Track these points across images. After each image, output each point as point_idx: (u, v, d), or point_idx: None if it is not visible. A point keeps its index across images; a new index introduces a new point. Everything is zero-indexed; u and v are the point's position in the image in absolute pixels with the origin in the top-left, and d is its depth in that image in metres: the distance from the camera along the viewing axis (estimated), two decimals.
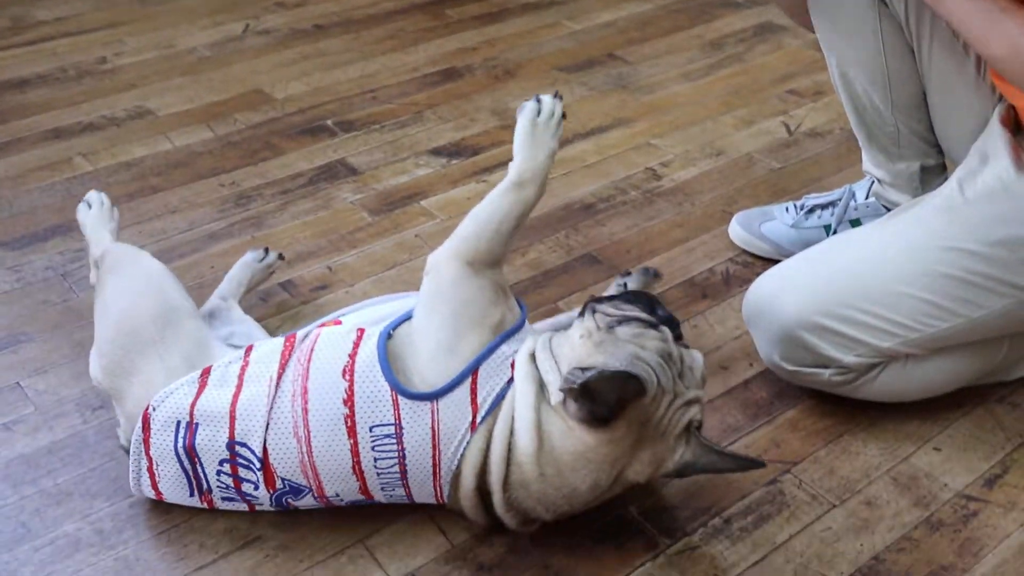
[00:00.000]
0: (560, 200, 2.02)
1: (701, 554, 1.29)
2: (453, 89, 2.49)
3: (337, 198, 2.04)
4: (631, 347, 1.20)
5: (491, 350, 1.23)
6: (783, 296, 1.43)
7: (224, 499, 1.30)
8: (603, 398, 1.15)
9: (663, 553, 1.29)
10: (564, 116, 1.39)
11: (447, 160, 2.17)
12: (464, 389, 1.21)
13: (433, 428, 1.21)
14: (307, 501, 1.28)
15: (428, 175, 2.12)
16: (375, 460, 1.22)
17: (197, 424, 1.25)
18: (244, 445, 1.24)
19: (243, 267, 1.68)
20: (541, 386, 1.22)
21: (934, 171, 1.73)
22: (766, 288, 1.47)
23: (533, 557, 1.29)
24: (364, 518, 1.32)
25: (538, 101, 1.38)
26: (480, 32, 2.80)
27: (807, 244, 1.80)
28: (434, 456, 1.22)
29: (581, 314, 1.28)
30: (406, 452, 1.22)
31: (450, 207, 2.00)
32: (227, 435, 1.24)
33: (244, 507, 1.31)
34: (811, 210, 1.83)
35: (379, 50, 2.70)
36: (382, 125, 2.32)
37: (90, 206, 1.63)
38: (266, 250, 1.72)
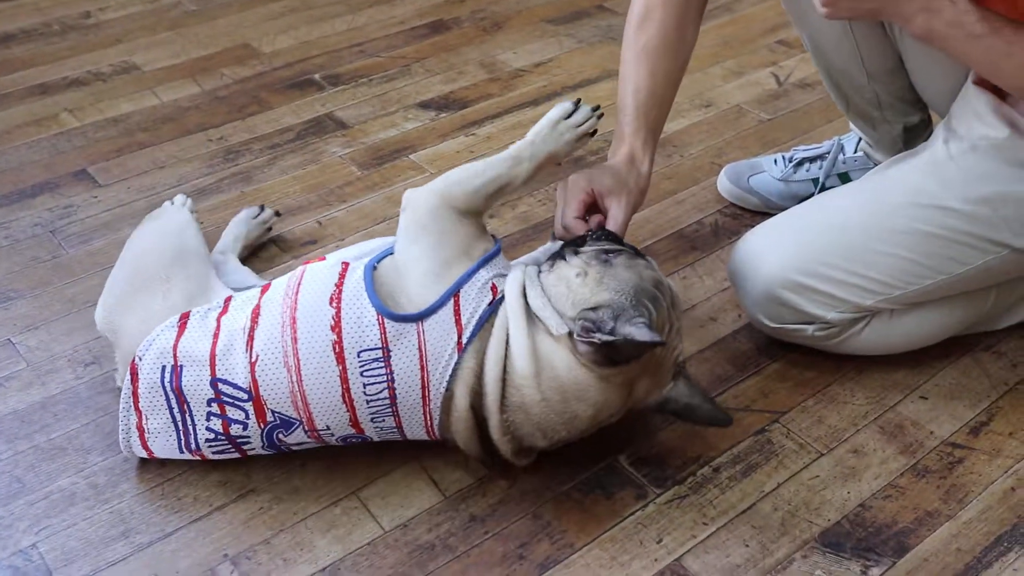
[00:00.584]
0: None
1: (690, 502, 1.31)
2: (441, 42, 2.47)
3: (326, 152, 2.03)
4: (633, 278, 1.23)
5: (470, 274, 1.26)
6: (766, 255, 1.44)
7: (215, 451, 1.31)
8: (624, 353, 1.18)
9: (652, 502, 1.31)
10: (592, 134, 1.42)
11: (436, 113, 2.16)
12: (447, 310, 1.23)
13: (420, 349, 1.23)
14: (298, 436, 1.29)
15: (417, 128, 2.11)
16: (364, 386, 1.24)
17: (182, 366, 1.27)
18: (227, 382, 1.26)
19: (239, 224, 1.70)
20: (531, 316, 1.24)
21: (917, 128, 1.72)
22: (749, 247, 1.47)
23: (524, 507, 1.30)
24: (357, 469, 1.34)
25: (576, 105, 1.40)
26: None
27: (796, 197, 1.81)
28: (423, 378, 1.24)
29: (557, 257, 1.29)
30: (394, 375, 1.23)
31: (439, 160, 2.00)
32: (209, 374, 1.26)
33: (235, 454, 1.32)
34: (800, 163, 1.83)
35: (366, 2, 2.67)
36: (370, 79, 2.30)
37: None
38: (261, 207, 1.73)
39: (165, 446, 1.31)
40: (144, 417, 1.30)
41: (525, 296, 1.26)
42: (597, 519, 1.29)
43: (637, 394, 1.26)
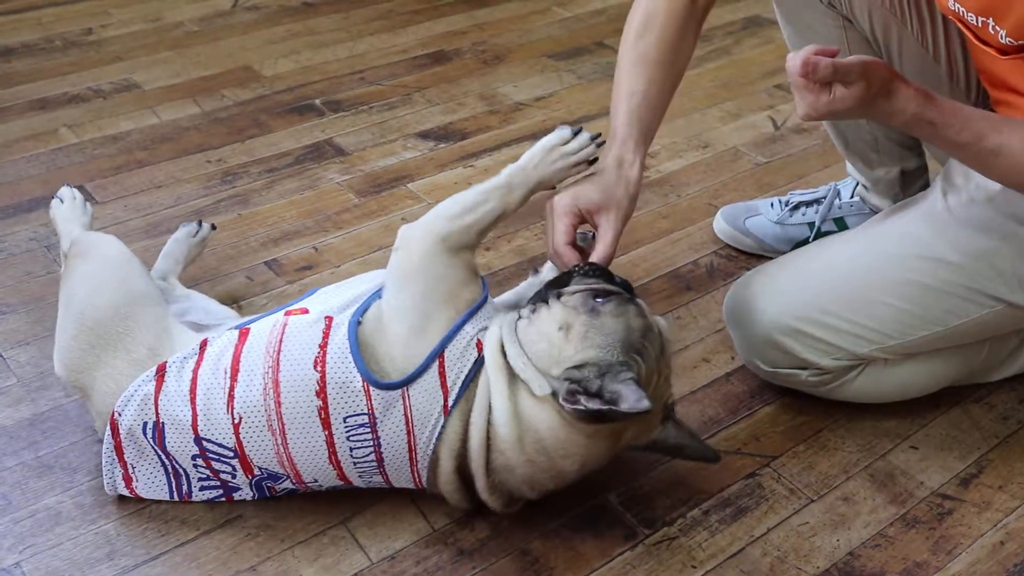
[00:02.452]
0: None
1: (679, 544, 1.30)
2: (442, 72, 2.48)
3: (324, 178, 2.04)
4: (620, 329, 1.20)
5: (455, 331, 1.23)
6: (762, 300, 1.45)
7: (203, 489, 1.30)
8: (612, 416, 1.16)
9: (641, 543, 1.31)
10: (592, 163, 1.38)
11: (434, 144, 2.17)
12: (433, 373, 1.21)
13: (406, 415, 1.21)
14: (286, 485, 1.28)
15: (415, 158, 2.11)
16: (351, 450, 1.23)
17: (164, 424, 1.25)
18: (211, 441, 1.24)
19: (176, 243, 1.63)
20: (512, 375, 1.22)
21: (915, 174, 1.74)
22: (745, 291, 1.48)
23: (512, 543, 1.30)
24: (346, 500, 1.33)
25: (576, 133, 1.37)
26: (470, 16, 2.79)
27: (791, 241, 1.82)
28: (409, 442, 1.22)
29: (540, 300, 1.26)
30: (381, 440, 1.22)
31: (437, 191, 2.00)
32: (192, 434, 1.24)
33: (224, 497, 1.31)
34: (796, 207, 1.84)
35: (368, 30, 2.69)
36: (370, 106, 2.31)
37: (62, 201, 1.60)
38: (199, 223, 1.68)
39: (154, 491, 1.30)
40: (131, 467, 1.29)
41: (505, 354, 1.23)
42: (585, 558, 1.29)
43: (624, 441, 1.25)
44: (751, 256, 1.84)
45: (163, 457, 1.27)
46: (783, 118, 2.32)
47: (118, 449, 1.28)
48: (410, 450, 1.23)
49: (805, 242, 1.80)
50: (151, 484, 1.30)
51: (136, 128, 2.19)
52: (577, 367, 1.17)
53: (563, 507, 1.34)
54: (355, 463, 1.24)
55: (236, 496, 1.31)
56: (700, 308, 1.72)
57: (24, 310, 1.65)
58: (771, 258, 1.78)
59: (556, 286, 1.28)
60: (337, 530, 1.31)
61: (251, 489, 1.29)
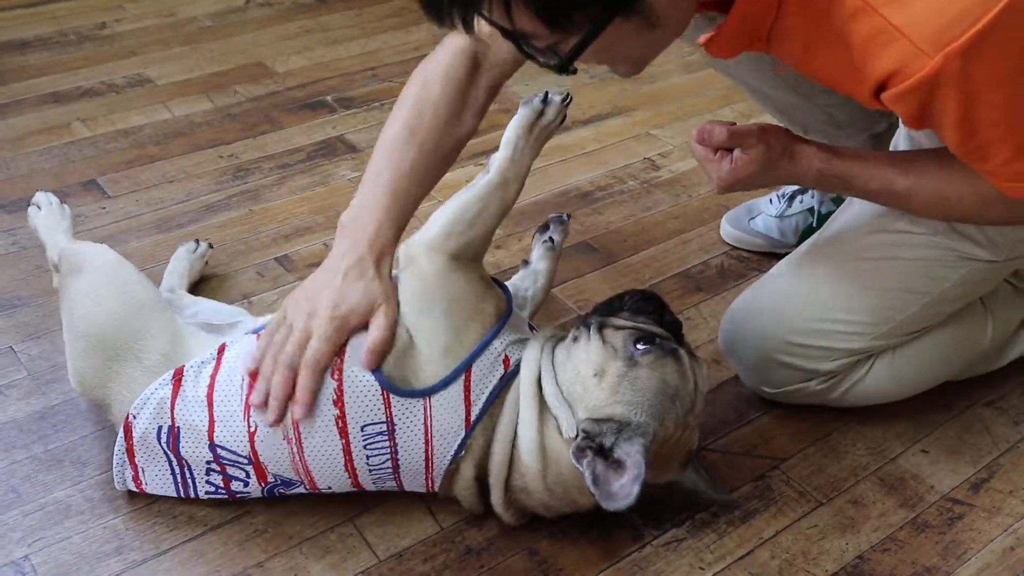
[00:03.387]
0: (558, 187, 2.02)
1: (687, 546, 1.30)
2: None
3: (335, 175, 2.04)
4: (653, 386, 1.18)
5: (483, 346, 1.22)
6: (751, 325, 1.45)
7: (208, 494, 1.30)
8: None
9: (649, 544, 1.30)
10: (562, 122, 1.35)
11: None
12: (458, 386, 1.20)
13: (426, 425, 1.20)
14: (299, 491, 1.28)
15: None
16: (367, 458, 1.22)
17: (179, 429, 1.25)
18: (226, 448, 1.24)
19: (178, 260, 1.64)
20: (543, 407, 1.21)
21: (885, 135, 1.70)
22: (735, 321, 1.48)
23: (520, 543, 1.30)
24: (354, 498, 1.33)
25: (545, 102, 1.32)
26: None
27: (797, 230, 1.81)
28: (427, 452, 1.22)
29: (583, 326, 1.25)
30: (399, 448, 1.22)
31: (447, 189, 1.98)
32: (207, 440, 1.24)
33: (227, 495, 1.31)
34: (792, 196, 1.84)
35: (381, 27, 2.69)
36: (382, 103, 2.31)
37: (39, 208, 1.57)
38: (196, 241, 1.69)
39: (162, 488, 1.30)
40: (140, 470, 1.29)
41: (540, 383, 1.22)
42: (593, 559, 1.28)
43: None
44: (762, 256, 1.83)
45: (174, 462, 1.27)
46: None
47: (130, 452, 1.28)
48: (427, 459, 1.23)
49: (810, 228, 1.80)
50: (159, 483, 1.30)
51: (148, 123, 2.19)
52: (598, 420, 1.16)
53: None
54: (370, 470, 1.24)
55: (241, 496, 1.30)
56: (710, 309, 1.71)
57: (35, 303, 1.66)
58: (781, 255, 1.77)
59: (604, 312, 1.26)
60: (345, 527, 1.31)
61: (263, 494, 1.29)
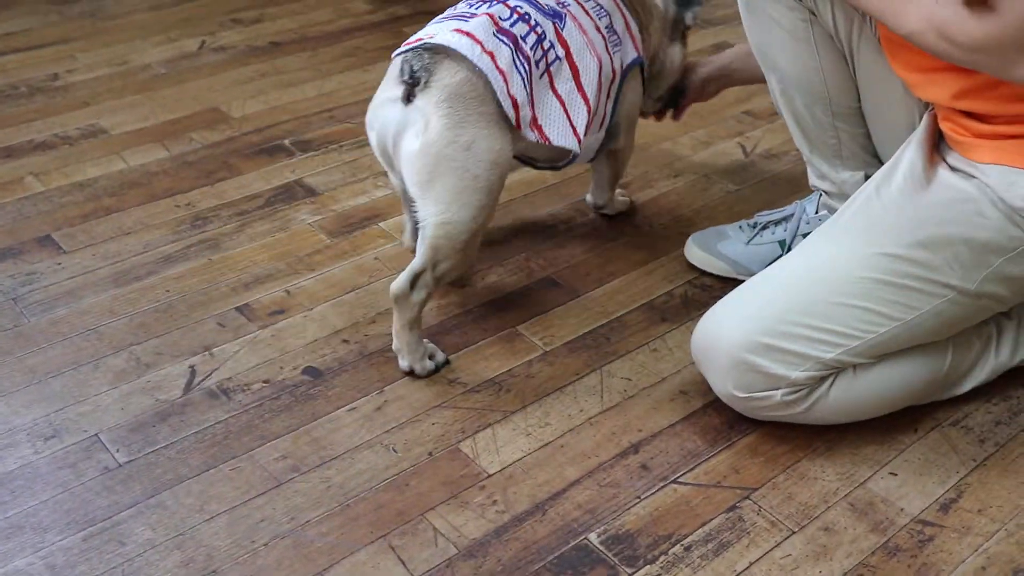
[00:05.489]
0: (520, 221, 2.02)
1: None
2: None
3: (295, 220, 2.03)
4: None
5: None
6: (726, 324, 1.46)
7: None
8: None
9: None
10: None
11: None
12: None
13: None
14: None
15: (387, 196, 2.11)
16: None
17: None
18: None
19: None
20: None
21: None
22: (708, 323, 1.49)
23: None
24: (323, 549, 1.31)
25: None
26: None
27: (764, 260, 1.82)
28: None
29: None
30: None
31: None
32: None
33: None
34: (764, 227, 1.85)
35: (337, 68, 2.69)
36: (340, 145, 2.31)
37: None
38: None
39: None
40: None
41: None
42: None
43: None
44: (725, 283, 1.84)
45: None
46: (752, 144, 2.33)
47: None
48: None
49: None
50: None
51: (103, 174, 2.17)
52: None
53: (544, 549, 1.32)
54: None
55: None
56: (676, 340, 1.71)
57: None
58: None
59: None
60: None
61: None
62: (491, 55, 1.52)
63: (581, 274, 1.87)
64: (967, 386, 1.55)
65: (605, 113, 1.73)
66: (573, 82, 1.62)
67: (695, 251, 1.88)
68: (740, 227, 1.88)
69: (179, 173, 2.18)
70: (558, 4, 1.66)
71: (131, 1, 3.10)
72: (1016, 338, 1.56)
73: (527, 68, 1.56)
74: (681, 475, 1.45)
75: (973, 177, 1.38)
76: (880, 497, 1.42)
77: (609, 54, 1.70)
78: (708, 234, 1.90)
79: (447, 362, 1.64)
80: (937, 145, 1.48)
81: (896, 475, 1.45)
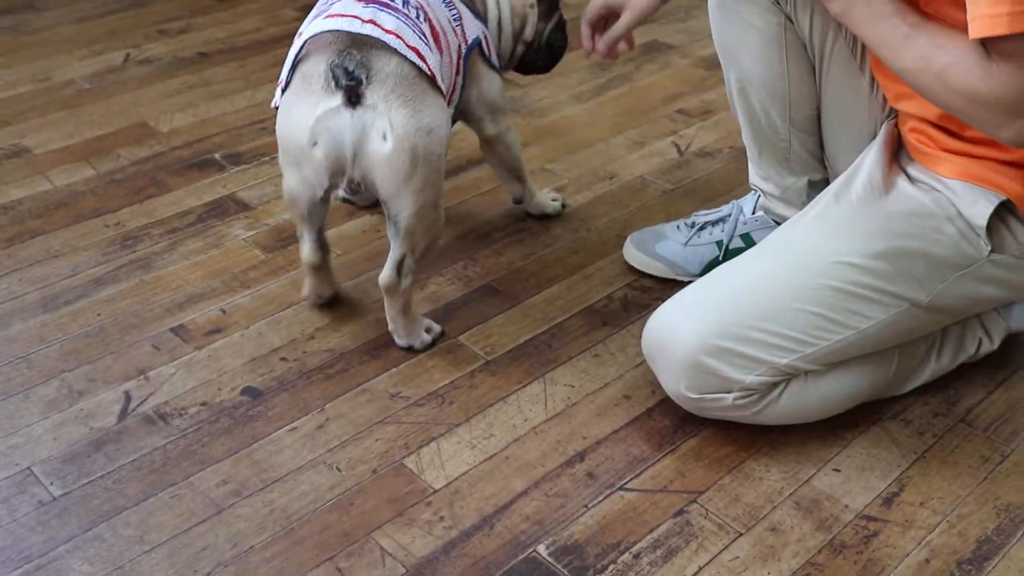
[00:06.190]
0: (457, 230, 2.00)
1: None
2: None
3: (228, 235, 1.99)
4: None
5: None
6: (681, 324, 1.45)
7: None
8: None
9: None
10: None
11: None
12: None
13: None
14: None
15: None
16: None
17: None
18: None
19: None
20: None
21: (819, 185, 1.77)
22: (663, 320, 1.48)
23: None
24: None
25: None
26: None
27: (702, 261, 1.83)
28: None
29: None
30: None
31: (345, 241, 1.97)
32: None
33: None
34: (702, 227, 1.86)
35: (266, 78, 2.65)
36: (273, 157, 2.27)
37: None
38: None
39: None
40: None
41: None
42: None
43: None
44: (664, 284, 1.84)
45: None
46: (686, 143, 2.34)
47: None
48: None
49: (715, 261, 1.82)
50: None
51: (28, 195, 2.12)
52: None
53: (492, 566, 1.31)
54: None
55: None
56: (617, 344, 1.71)
57: None
58: (683, 282, 1.79)
59: None
60: None
61: None
62: (395, 34, 1.50)
63: (520, 280, 1.87)
64: (908, 387, 1.57)
65: (454, 85, 1.70)
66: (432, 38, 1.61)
67: (633, 253, 1.89)
68: (678, 227, 1.89)
69: (107, 192, 2.13)
70: None
71: (53, 14, 3.03)
72: (958, 343, 1.58)
73: (419, 30, 1.55)
74: (627, 481, 1.45)
75: (935, 190, 1.40)
76: (824, 494, 1.43)
77: (452, 26, 1.69)
78: (646, 235, 1.90)
79: (443, 333, 1.72)
80: (896, 154, 1.49)
81: (839, 471, 1.47)
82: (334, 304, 1.79)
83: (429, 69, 1.52)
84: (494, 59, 1.81)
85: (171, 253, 1.93)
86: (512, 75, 2.64)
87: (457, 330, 1.74)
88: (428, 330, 1.70)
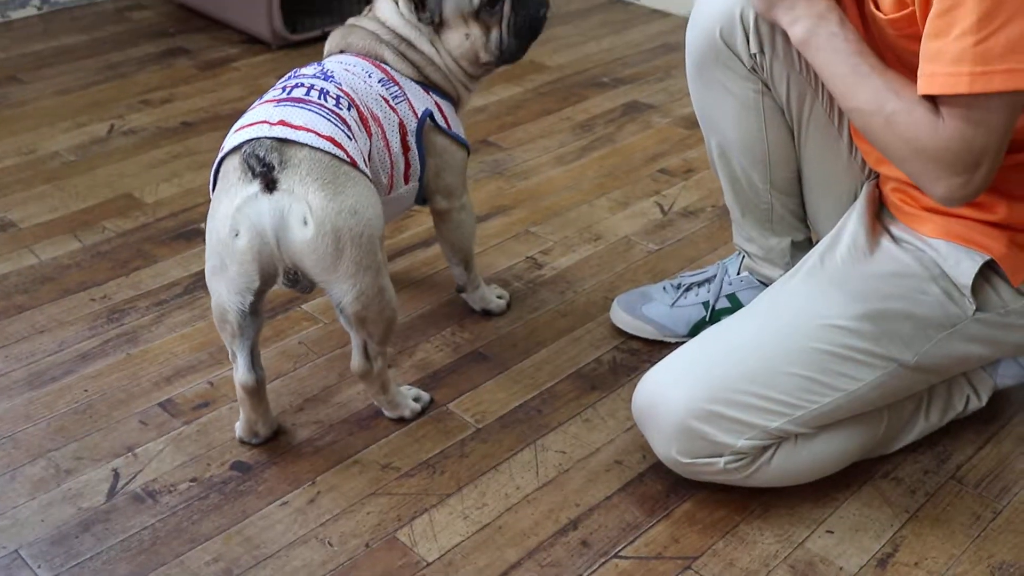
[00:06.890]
0: (444, 295, 2.01)
1: None
2: None
3: None
4: None
5: None
6: (670, 390, 1.45)
7: None
8: None
9: None
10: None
11: None
12: None
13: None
14: None
15: None
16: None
17: None
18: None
19: None
20: None
21: (803, 245, 1.79)
22: (653, 384, 1.48)
23: None
24: None
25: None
26: None
27: (689, 322, 1.84)
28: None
29: None
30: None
31: (331, 311, 1.97)
32: None
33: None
34: (688, 288, 1.87)
35: None
36: None
37: None
38: None
39: None
40: None
41: None
42: None
43: None
44: (652, 346, 1.85)
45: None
46: (669, 202, 2.36)
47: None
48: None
49: (702, 322, 1.83)
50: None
51: (13, 270, 2.11)
52: None
53: None
54: None
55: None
56: (607, 408, 1.71)
57: None
58: (671, 344, 1.80)
59: None
60: None
61: None
62: (305, 128, 1.46)
63: (508, 345, 1.87)
64: (896, 447, 1.58)
65: (407, 162, 1.68)
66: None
67: (620, 315, 1.89)
68: (664, 288, 1.90)
69: (93, 265, 2.13)
70: (323, 74, 1.61)
71: (37, 87, 3.04)
72: (946, 401, 1.59)
73: (338, 118, 1.52)
74: (621, 549, 1.44)
75: (919, 250, 1.42)
76: (819, 557, 1.42)
77: (391, 104, 1.66)
78: (633, 296, 1.91)
79: (432, 401, 1.72)
80: (878, 214, 1.51)
81: (833, 532, 1.46)
82: (317, 380, 1.78)
83: (348, 155, 1.47)
84: (454, 130, 1.76)
85: (158, 325, 1.93)
86: (496, 138, 2.67)
87: (447, 397, 1.74)
88: (417, 399, 1.70)
